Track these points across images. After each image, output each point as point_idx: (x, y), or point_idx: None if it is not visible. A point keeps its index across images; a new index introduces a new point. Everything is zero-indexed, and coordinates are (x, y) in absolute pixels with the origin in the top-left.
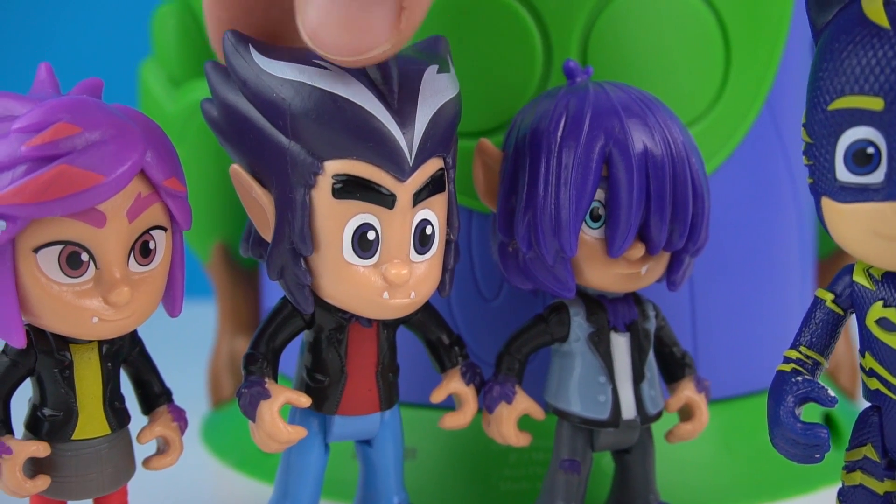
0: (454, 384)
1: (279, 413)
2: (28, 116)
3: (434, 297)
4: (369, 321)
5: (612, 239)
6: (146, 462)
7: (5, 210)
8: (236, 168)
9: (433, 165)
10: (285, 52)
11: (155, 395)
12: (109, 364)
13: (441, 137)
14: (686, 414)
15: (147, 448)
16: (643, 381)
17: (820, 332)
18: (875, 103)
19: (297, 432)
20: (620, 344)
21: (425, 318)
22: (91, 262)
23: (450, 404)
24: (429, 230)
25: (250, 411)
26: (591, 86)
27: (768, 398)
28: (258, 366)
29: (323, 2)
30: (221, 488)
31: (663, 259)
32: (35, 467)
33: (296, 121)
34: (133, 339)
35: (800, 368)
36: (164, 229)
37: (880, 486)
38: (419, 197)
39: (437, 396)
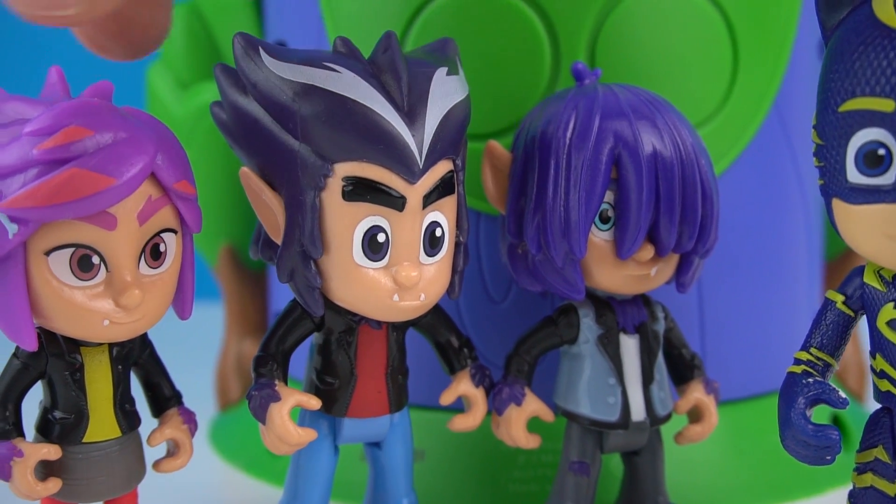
0: (463, 386)
1: (289, 416)
2: (39, 120)
3: (443, 299)
4: (379, 323)
5: (622, 241)
6: (156, 464)
7: (17, 213)
8: (246, 171)
9: (443, 168)
10: (296, 55)
11: (165, 398)
12: (120, 367)
13: (451, 140)
14: (695, 416)
15: (157, 450)
16: (653, 382)
17: (830, 333)
18: (886, 105)
19: (308, 435)
20: (630, 346)
21: (434, 320)
22: (102, 265)
23: (458, 406)
24: (438, 232)
25: (260, 414)
26: (599, 87)
27: (779, 400)
28: (268, 368)
29: None
30: (230, 491)
31: (672, 261)
32: (46, 470)
33: (306, 123)
34: (143, 341)
35: (810, 370)
36: (175, 232)
37: (891, 488)
38: (429, 199)
39: (447, 398)
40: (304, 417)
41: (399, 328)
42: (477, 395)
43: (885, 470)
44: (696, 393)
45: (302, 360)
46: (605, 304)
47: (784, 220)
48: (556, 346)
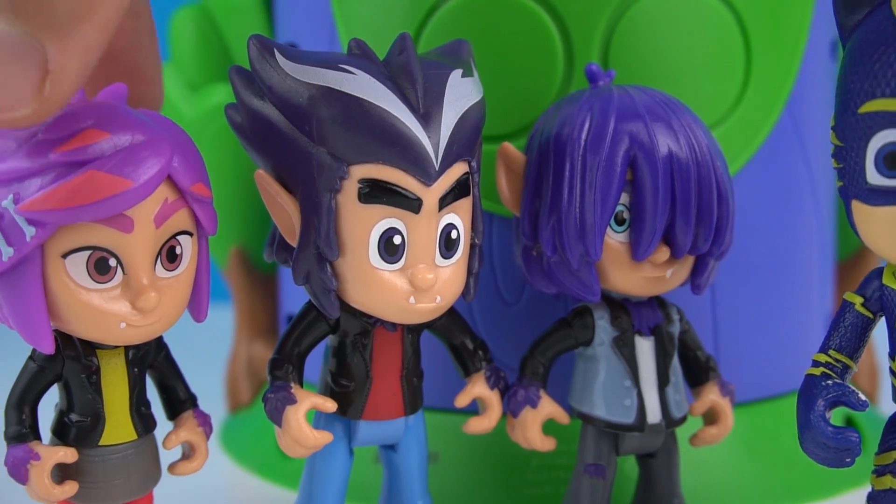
0: (479, 388)
1: (305, 418)
2: (56, 122)
3: (456, 301)
4: (394, 325)
5: (637, 242)
6: (171, 467)
7: (34, 216)
8: (261, 173)
9: (458, 169)
10: (311, 57)
11: (180, 401)
12: (136, 369)
13: (466, 141)
14: (710, 418)
15: (172, 453)
16: (668, 384)
17: (849, 335)
18: None
19: (324, 437)
20: (645, 348)
21: (449, 323)
22: (119, 268)
23: (472, 409)
24: (454, 234)
25: (277, 417)
26: (614, 89)
27: (798, 402)
28: (284, 371)
29: None
30: (242, 493)
31: (688, 262)
32: (62, 473)
33: (322, 125)
34: (159, 344)
35: (829, 372)
36: (191, 234)
37: None
38: (445, 201)
39: (462, 401)
40: (318, 420)
41: (414, 330)
42: (492, 398)
43: None
44: (712, 395)
45: (314, 363)
46: (620, 306)
47: (796, 221)
48: (571, 349)
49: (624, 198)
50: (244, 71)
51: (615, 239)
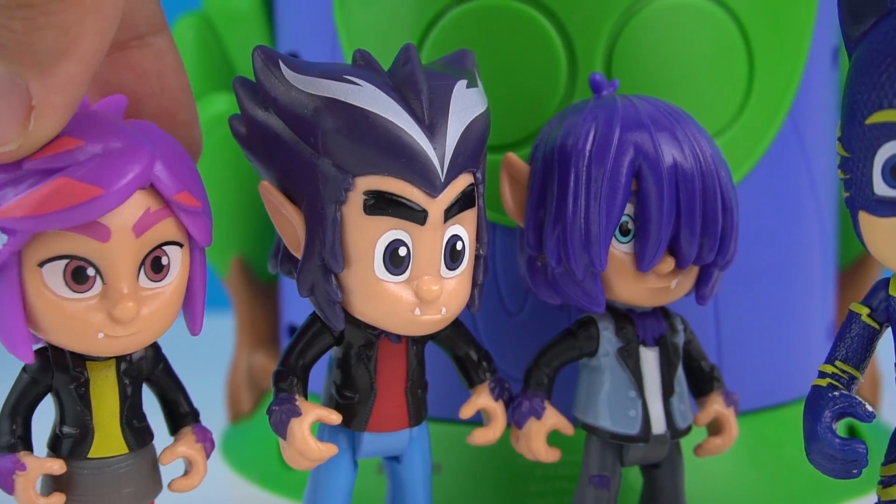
0: (483, 400)
1: (310, 430)
2: None
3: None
4: (399, 337)
5: (643, 253)
6: (171, 484)
7: (6, 223)
8: (266, 184)
9: (464, 181)
10: (316, 68)
11: (180, 415)
12: (128, 382)
13: (471, 153)
14: (715, 428)
15: (178, 466)
16: (673, 395)
17: (855, 346)
18: None
19: (328, 450)
20: (650, 358)
21: (453, 334)
22: (98, 277)
23: (475, 420)
24: (459, 246)
25: (281, 429)
26: (618, 99)
27: (804, 413)
28: (288, 383)
29: None
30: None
31: (692, 273)
32: (55, 485)
33: (327, 137)
34: (156, 356)
35: (836, 383)
36: (180, 245)
37: None
38: (450, 213)
39: (467, 412)
40: (322, 432)
41: (418, 342)
42: (496, 409)
43: None
44: (716, 405)
45: (318, 375)
46: (624, 317)
47: (799, 229)
48: (576, 359)
49: (629, 208)
50: (248, 82)
51: (620, 249)
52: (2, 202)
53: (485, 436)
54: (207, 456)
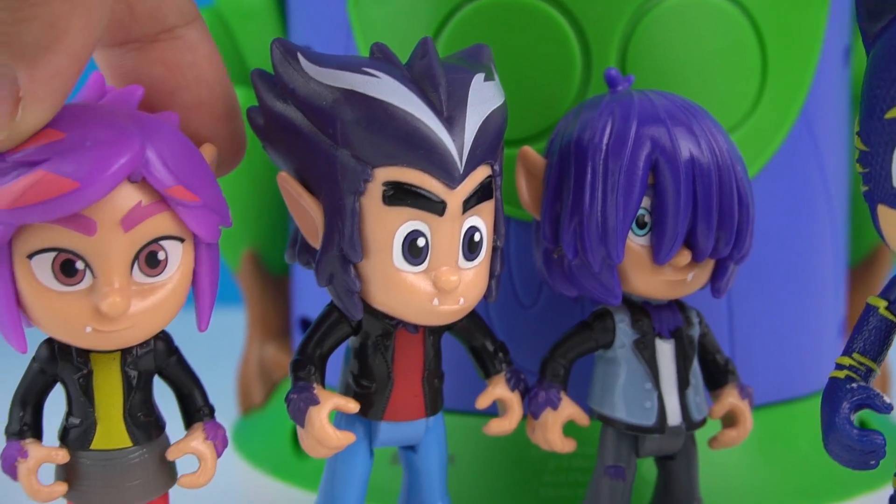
0: (499, 390)
1: (328, 419)
2: None
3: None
4: (416, 327)
5: (659, 246)
6: (179, 480)
7: None
8: (284, 175)
9: (482, 173)
10: (334, 60)
11: (195, 410)
12: (133, 375)
13: (489, 145)
14: (730, 420)
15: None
16: (688, 387)
17: (873, 338)
18: None
19: (346, 438)
20: (665, 350)
21: (470, 325)
22: (88, 271)
23: (489, 411)
24: (477, 237)
25: (299, 417)
26: (635, 94)
27: (822, 404)
28: (306, 371)
29: None
30: (256, 493)
31: (708, 266)
32: (64, 475)
33: (346, 128)
34: (167, 349)
35: (853, 375)
36: (180, 240)
37: None
38: (468, 204)
39: (483, 402)
40: (339, 421)
41: (435, 332)
42: (513, 399)
43: None
44: (731, 398)
45: (333, 366)
46: (640, 310)
47: (811, 226)
48: (592, 351)
49: (645, 202)
50: (266, 74)
51: (637, 242)
52: None
53: (501, 426)
54: (219, 454)
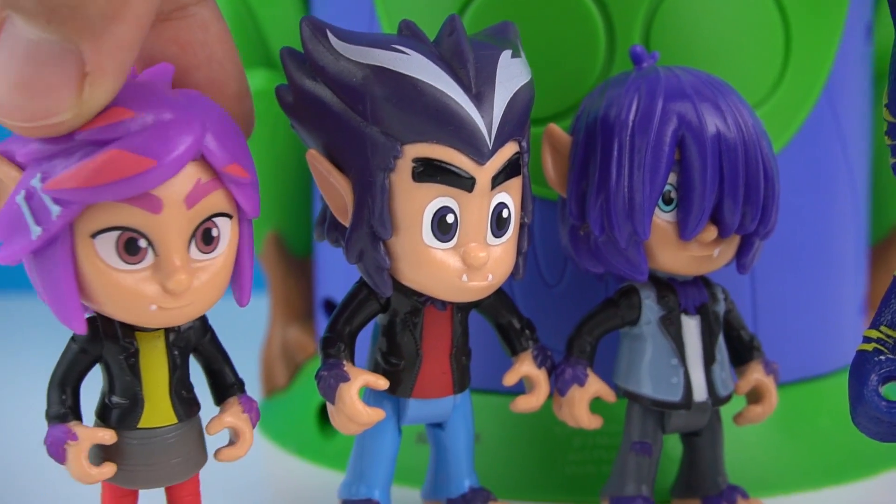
0: (526, 367)
1: (358, 395)
2: None
3: None
4: (444, 304)
5: (686, 222)
6: (217, 453)
7: (59, 195)
8: (314, 153)
9: (510, 149)
10: (364, 38)
11: (227, 386)
12: (177, 353)
13: (517, 121)
14: (755, 396)
15: (220, 438)
16: (714, 363)
17: None
18: None
19: (377, 414)
20: (691, 326)
21: (496, 302)
22: (150, 249)
23: (514, 389)
24: (505, 213)
25: (330, 394)
26: (661, 70)
27: (850, 377)
28: (336, 349)
29: None
30: (283, 473)
31: (734, 242)
32: (104, 454)
33: (376, 105)
34: (203, 326)
35: (881, 348)
36: (229, 217)
37: None
38: (497, 180)
39: (510, 379)
40: (367, 399)
41: (463, 309)
42: (539, 376)
43: None
44: (756, 374)
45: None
46: (666, 286)
47: (833, 203)
48: (618, 328)
49: (672, 178)
50: (295, 52)
51: (663, 218)
52: (53, 173)
53: (528, 402)
54: (253, 426)
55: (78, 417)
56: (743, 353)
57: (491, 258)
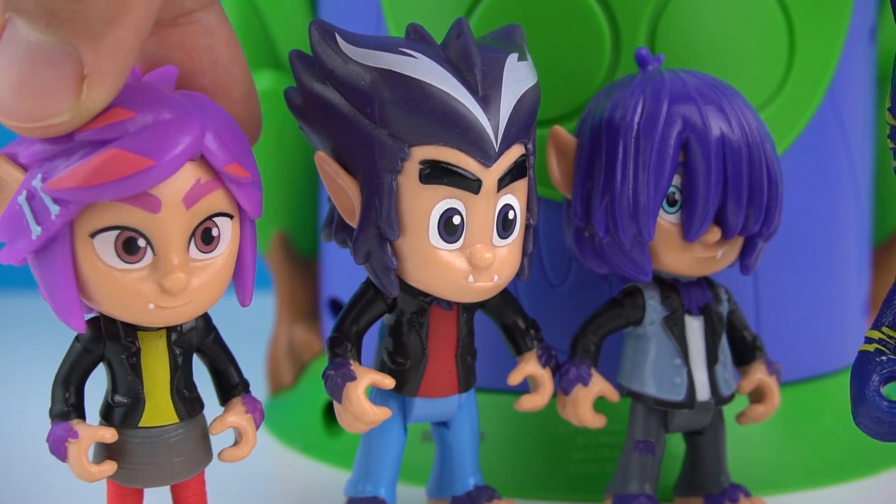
0: (531, 367)
1: (365, 394)
2: None
3: None
4: (450, 304)
5: (689, 223)
6: (220, 454)
7: (58, 195)
8: (322, 155)
9: (516, 151)
10: (372, 41)
11: (231, 386)
12: (178, 352)
13: (523, 124)
14: (757, 396)
15: (226, 437)
16: (717, 363)
17: None
18: None
19: (383, 413)
20: (695, 327)
21: (502, 303)
22: (148, 248)
23: (518, 389)
24: (511, 215)
25: (337, 393)
26: (665, 73)
27: (851, 377)
28: (343, 348)
29: None
30: (288, 471)
31: (737, 243)
32: (107, 453)
33: (384, 108)
34: (207, 326)
35: (882, 348)
36: (230, 216)
37: None
38: (503, 182)
39: (515, 379)
40: (374, 398)
41: (469, 309)
42: (544, 376)
43: None
44: (759, 374)
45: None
46: (670, 286)
47: (836, 204)
48: (622, 328)
49: (676, 179)
50: (304, 55)
51: (667, 220)
52: (53, 173)
53: (532, 402)
54: (257, 426)
55: (81, 416)
56: (746, 353)
57: (497, 259)
